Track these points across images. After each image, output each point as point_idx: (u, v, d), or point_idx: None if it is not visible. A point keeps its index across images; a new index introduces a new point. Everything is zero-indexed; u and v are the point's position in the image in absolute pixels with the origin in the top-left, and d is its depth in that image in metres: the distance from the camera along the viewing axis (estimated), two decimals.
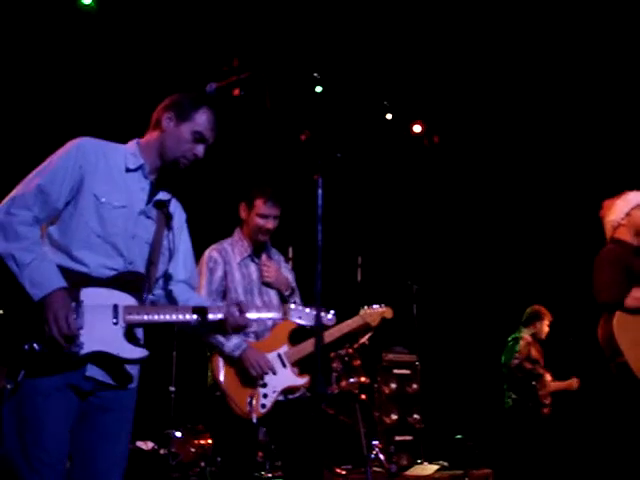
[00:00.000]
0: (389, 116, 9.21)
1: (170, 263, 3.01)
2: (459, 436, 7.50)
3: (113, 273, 2.75)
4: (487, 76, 8.32)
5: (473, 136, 9.20)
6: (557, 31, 7.61)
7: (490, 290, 8.90)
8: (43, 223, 2.72)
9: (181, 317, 2.86)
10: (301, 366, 4.21)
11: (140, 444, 5.83)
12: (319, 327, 2.56)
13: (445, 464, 7.08)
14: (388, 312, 4.61)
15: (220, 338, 3.95)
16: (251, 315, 2.99)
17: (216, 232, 4.37)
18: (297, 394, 4.14)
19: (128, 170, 2.86)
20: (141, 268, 2.84)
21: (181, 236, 3.09)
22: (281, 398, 4.03)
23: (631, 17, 7.22)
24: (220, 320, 2.91)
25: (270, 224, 4.19)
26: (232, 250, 4.21)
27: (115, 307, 2.70)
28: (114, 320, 2.69)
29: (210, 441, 6.17)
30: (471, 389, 8.50)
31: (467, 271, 9.21)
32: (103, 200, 2.75)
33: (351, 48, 7.88)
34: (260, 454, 6.25)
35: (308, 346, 4.18)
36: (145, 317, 2.77)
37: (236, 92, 2.80)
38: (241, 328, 2.99)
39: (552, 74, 8.06)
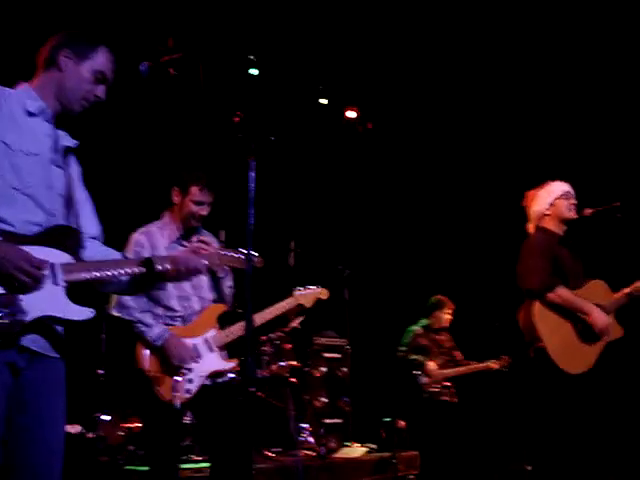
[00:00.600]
0: (324, 101, 9.21)
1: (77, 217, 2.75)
2: (387, 419, 7.60)
3: (38, 229, 2.48)
4: (421, 63, 8.39)
5: (406, 123, 9.28)
6: (491, 16, 7.72)
7: (420, 275, 9.03)
8: None
9: (127, 270, 2.66)
10: (231, 350, 4.21)
11: (68, 428, 5.73)
12: (249, 310, 2.56)
13: (374, 447, 7.18)
14: (323, 293, 4.65)
15: (142, 327, 3.93)
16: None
17: (145, 215, 4.32)
18: (225, 378, 4.14)
19: (30, 114, 2.58)
20: (64, 222, 2.60)
21: (82, 188, 2.84)
22: (208, 382, 4.03)
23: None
24: (163, 272, 2.72)
25: (204, 211, 4.18)
26: (160, 233, 4.16)
27: (52, 266, 2.44)
28: (53, 281, 2.43)
29: (139, 425, 6.12)
30: (400, 373, 8.62)
31: (398, 256, 9.32)
32: (15, 147, 2.48)
33: (288, 31, 7.84)
34: (189, 438, 6.23)
35: (236, 330, 4.18)
36: (87, 274, 2.53)
37: (171, 72, 2.75)
38: (194, 272, 2.82)
39: (483, 60, 8.18)
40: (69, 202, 2.66)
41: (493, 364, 7.25)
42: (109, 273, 2.60)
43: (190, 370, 3.94)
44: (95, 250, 2.76)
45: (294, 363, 6.63)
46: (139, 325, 3.94)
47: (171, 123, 7.08)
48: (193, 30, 7.10)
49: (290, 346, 6.67)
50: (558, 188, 4.83)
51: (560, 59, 7.78)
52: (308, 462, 6.10)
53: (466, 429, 7.08)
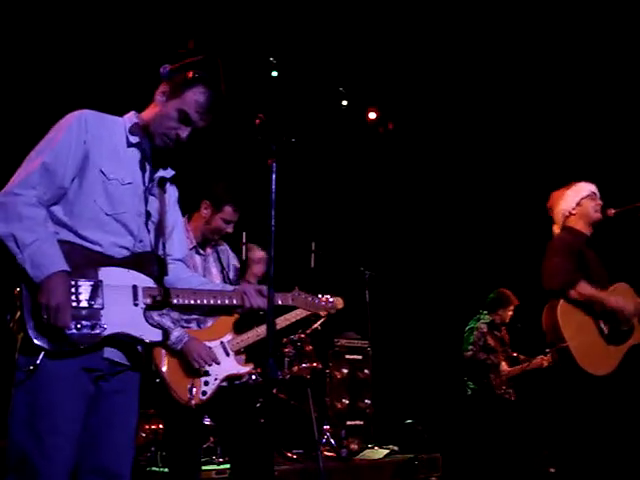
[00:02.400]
0: (344, 102, 9.21)
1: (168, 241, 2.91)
2: (409, 421, 7.58)
3: (126, 252, 2.67)
4: (442, 64, 8.36)
5: (428, 123, 9.25)
6: (510, 19, 7.68)
7: (441, 277, 8.99)
8: (48, 204, 2.57)
9: (199, 302, 2.80)
10: (249, 353, 4.21)
11: None
12: (271, 312, 2.56)
13: (395, 449, 7.15)
14: (338, 302, 4.63)
15: None
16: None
17: None
18: (243, 379, 4.15)
19: (130, 145, 2.74)
20: (149, 247, 2.76)
21: (176, 214, 3.00)
22: (225, 384, 4.03)
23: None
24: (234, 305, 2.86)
25: (231, 229, 4.23)
26: None
27: (134, 288, 2.63)
28: (135, 302, 2.62)
29: (161, 426, 6.14)
30: (422, 375, 8.60)
31: (420, 258, 9.29)
32: (111, 177, 2.64)
33: (308, 33, 7.85)
34: (212, 439, 6.25)
35: (252, 335, 4.21)
36: (166, 300, 2.70)
37: (190, 75, 2.75)
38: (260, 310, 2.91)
39: (504, 62, 8.13)
40: (160, 228, 2.81)
41: (544, 361, 7.02)
42: (185, 302, 2.76)
43: (207, 373, 3.96)
44: (177, 273, 2.89)
45: (315, 365, 6.62)
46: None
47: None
48: (214, 33, 7.13)
49: (311, 348, 6.66)
50: (585, 188, 4.79)
51: (587, 60, 7.71)
52: (329, 464, 6.09)
53: (524, 427, 6.89)
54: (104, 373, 2.61)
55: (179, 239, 2.99)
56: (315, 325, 6.47)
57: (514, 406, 7.02)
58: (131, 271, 2.64)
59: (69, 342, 2.45)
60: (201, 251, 4.19)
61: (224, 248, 4.40)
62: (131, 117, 2.80)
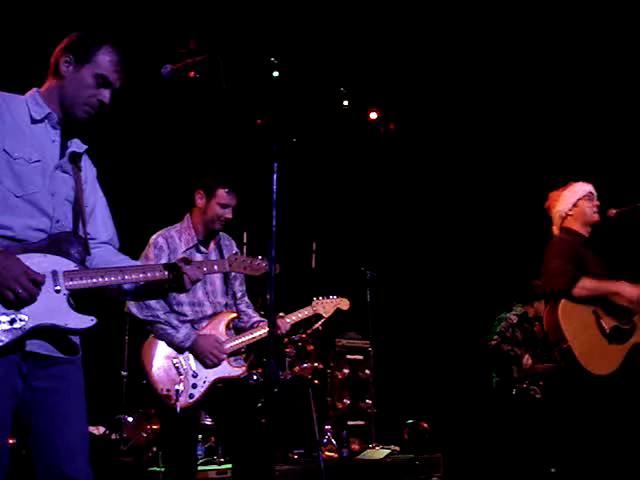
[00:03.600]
0: (346, 102, 9.21)
1: (89, 223, 2.73)
2: (410, 421, 7.58)
3: (42, 235, 2.48)
4: (443, 64, 8.36)
5: (429, 124, 9.25)
6: (510, 20, 7.68)
7: (442, 277, 8.99)
8: None
9: (127, 277, 2.63)
10: (255, 352, 4.19)
11: (91, 429, 5.78)
12: (272, 312, 2.56)
13: (396, 449, 7.16)
14: (343, 303, 4.61)
15: (168, 329, 3.89)
16: (198, 275, 2.81)
17: (167, 217, 4.31)
18: (240, 380, 4.11)
19: (34, 121, 2.56)
20: (69, 228, 2.59)
21: (96, 193, 2.82)
22: (220, 385, 3.98)
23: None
24: (161, 280, 2.72)
25: (229, 214, 4.14)
26: (179, 238, 4.13)
27: (54, 273, 2.45)
28: (56, 287, 2.44)
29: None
30: (423, 375, 8.60)
31: (421, 258, 9.29)
32: (16, 155, 2.46)
33: (309, 34, 7.85)
34: (212, 439, 6.25)
35: (246, 338, 4.14)
36: (89, 281, 2.51)
37: (191, 75, 2.75)
38: (196, 281, 2.81)
39: (504, 63, 8.13)
40: (77, 208, 2.64)
41: None
42: (111, 279, 2.59)
43: (195, 375, 3.91)
44: (106, 255, 2.76)
45: (317, 365, 6.63)
46: (165, 327, 3.89)
47: (193, 126, 7.11)
48: (215, 33, 7.13)
49: (312, 348, 6.68)
50: (581, 189, 4.79)
51: (587, 60, 7.71)
52: (330, 464, 6.09)
53: (549, 426, 6.75)
54: (29, 372, 2.45)
55: (103, 220, 2.82)
56: (316, 325, 6.48)
57: (537, 403, 6.77)
58: (48, 256, 2.46)
59: None
60: (202, 248, 4.14)
61: (229, 244, 4.34)
62: (32, 93, 2.63)
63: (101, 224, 2.81)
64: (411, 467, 6.59)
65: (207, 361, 3.89)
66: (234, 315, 4.19)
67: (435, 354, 8.53)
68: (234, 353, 4.08)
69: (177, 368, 3.89)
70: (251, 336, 4.14)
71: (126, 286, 2.73)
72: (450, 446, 7.11)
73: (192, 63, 2.71)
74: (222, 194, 4.10)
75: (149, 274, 2.68)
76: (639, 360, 4.55)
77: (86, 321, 2.48)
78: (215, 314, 4.10)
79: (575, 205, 4.75)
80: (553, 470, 6.38)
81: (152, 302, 3.90)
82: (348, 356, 7.75)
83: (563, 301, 4.44)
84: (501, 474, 6.81)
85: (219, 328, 4.07)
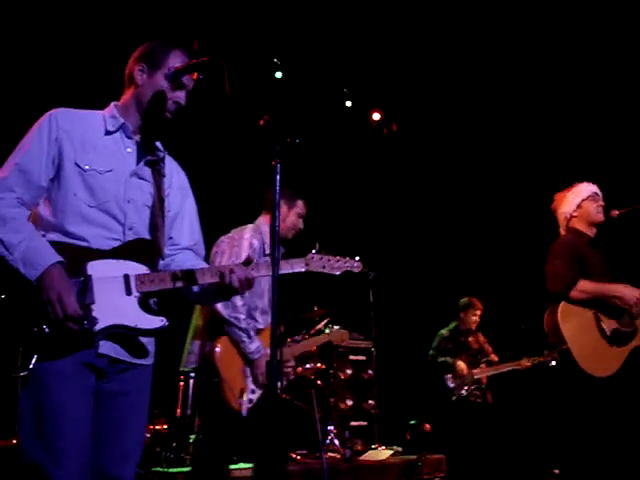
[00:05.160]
0: (348, 103, 9.21)
1: (172, 228, 2.83)
2: (413, 422, 7.58)
3: (116, 243, 2.58)
4: (445, 65, 8.36)
5: (432, 125, 9.25)
6: (513, 21, 7.68)
7: (445, 277, 8.99)
8: (30, 205, 2.55)
9: (199, 280, 2.68)
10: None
11: None
12: (274, 312, 2.56)
13: (399, 449, 7.16)
14: (346, 336, 5.17)
15: (244, 337, 4.03)
16: (264, 270, 2.78)
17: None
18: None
19: (108, 133, 2.67)
20: (144, 234, 2.66)
21: (185, 198, 2.90)
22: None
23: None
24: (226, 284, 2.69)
25: (302, 224, 4.33)
26: (263, 241, 4.25)
27: (126, 277, 2.55)
28: (127, 291, 2.54)
29: (165, 426, 6.16)
30: (426, 375, 8.59)
31: (424, 258, 9.28)
32: (87, 167, 2.57)
33: (312, 34, 7.85)
34: None
35: (298, 348, 4.52)
36: (160, 284, 2.60)
37: (194, 76, 2.75)
38: (250, 285, 2.75)
39: (507, 63, 8.13)
40: (156, 212, 2.70)
41: (526, 362, 7.06)
42: (182, 283, 2.65)
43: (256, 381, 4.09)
44: (184, 260, 2.82)
45: (319, 365, 6.63)
46: (242, 334, 4.03)
47: (197, 127, 7.11)
48: (218, 33, 7.14)
49: (315, 348, 6.67)
50: (585, 189, 4.79)
51: (591, 59, 7.70)
52: (333, 465, 6.09)
53: (497, 431, 7.01)
54: (103, 371, 2.53)
55: (190, 227, 2.90)
56: (319, 325, 6.47)
57: (487, 409, 7.18)
58: (121, 261, 2.56)
59: (62, 340, 2.40)
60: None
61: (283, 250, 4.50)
62: (110, 108, 2.75)
63: (186, 230, 2.89)
64: (414, 468, 6.58)
65: (260, 378, 4.04)
66: (282, 328, 4.46)
67: None
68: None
69: (244, 372, 4.07)
70: (305, 346, 4.59)
71: (194, 289, 2.78)
72: (453, 447, 7.09)
73: (195, 64, 2.70)
74: (301, 205, 4.40)
75: (204, 279, 2.71)
76: (638, 363, 4.54)
77: (156, 322, 2.57)
78: (267, 325, 4.26)
79: (579, 206, 4.75)
80: (556, 471, 6.38)
81: (238, 303, 4.06)
82: (351, 357, 7.75)
83: (563, 303, 4.45)
84: (504, 475, 6.80)
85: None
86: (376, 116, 9.59)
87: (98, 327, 2.45)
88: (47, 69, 6.40)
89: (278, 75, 8.39)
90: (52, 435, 2.36)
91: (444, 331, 7.60)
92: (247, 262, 2.75)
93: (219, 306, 4.01)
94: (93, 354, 2.48)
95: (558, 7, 7.38)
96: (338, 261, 3.28)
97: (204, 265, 2.85)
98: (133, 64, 2.74)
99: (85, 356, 2.46)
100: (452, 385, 7.18)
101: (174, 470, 5.11)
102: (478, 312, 7.62)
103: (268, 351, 4.07)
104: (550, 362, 6.78)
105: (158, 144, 2.82)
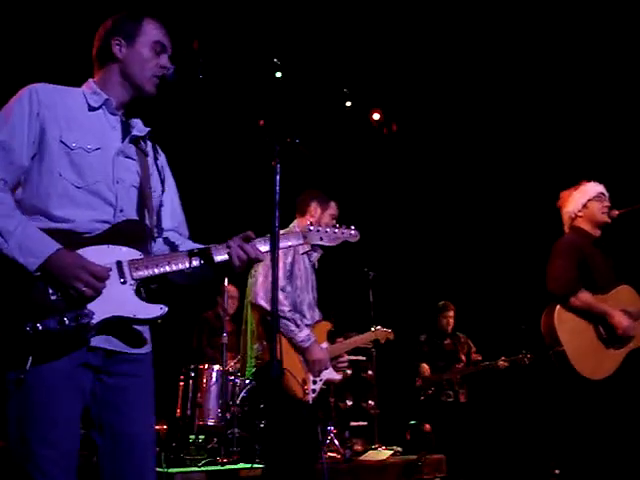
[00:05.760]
0: (348, 103, 9.21)
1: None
2: (413, 422, 7.57)
3: (105, 226, 2.40)
4: (446, 65, 8.36)
5: (432, 125, 9.24)
6: (514, 20, 7.67)
7: (445, 277, 8.98)
8: (12, 188, 2.36)
9: (195, 263, 2.51)
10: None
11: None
12: (275, 306, 2.55)
13: (399, 449, 7.15)
14: (391, 334, 5.35)
15: (292, 326, 4.11)
16: (263, 247, 2.62)
17: None
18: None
19: (92, 109, 2.53)
20: (134, 216, 2.50)
21: (164, 180, 2.76)
22: (324, 387, 4.33)
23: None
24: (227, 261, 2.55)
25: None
26: None
27: (119, 264, 2.36)
28: (121, 279, 2.36)
29: (165, 426, 6.16)
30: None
31: (424, 258, 9.28)
32: (74, 145, 2.41)
33: (312, 34, 7.85)
34: (215, 440, 6.25)
35: (343, 346, 4.59)
36: (155, 270, 2.42)
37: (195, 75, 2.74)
38: (253, 261, 2.61)
39: (509, 62, 8.12)
40: (143, 193, 2.57)
41: (503, 362, 7.30)
42: (178, 266, 2.48)
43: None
44: (169, 241, 2.70)
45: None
46: (289, 324, 4.11)
47: (196, 127, 7.11)
48: (218, 33, 7.13)
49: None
50: (592, 189, 4.76)
51: (595, 58, 7.69)
52: (333, 465, 6.09)
53: (469, 430, 7.20)
54: (100, 367, 2.38)
55: (172, 208, 2.76)
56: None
57: (458, 408, 7.45)
58: (111, 246, 2.38)
59: (54, 340, 2.22)
60: (314, 255, 4.41)
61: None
62: (89, 83, 2.62)
63: (168, 212, 2.75)
64: (414, 468, 6.57)
65: (315, 365, 4.16)
66: (329, 327, 4.49)
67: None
68: (334, 358, 4.43)
69: (303, 364, 4.19)
70: (348, 344, 4.66)
71: (183, 272, 2.56)
72: (453, 447, 7.09)
73: (196, 63, 2.70)
74: (334, 206, 4.52)
75: (218, 257, 2.54)
76: (636, 365, 4.53)
77: (155, 310, 2.40)
78: (315, 324, 4.38)
79: (585, 206, 4.73)
80: (557, 472, 6.38)
81: (280, 297, 4.10)
82: (351, 357, 7.74)
83: (560, 305, 4.43)
84: (504, 475, 6.81)
85: (322, 336, 4.39)
86: (376, 116, 9.59)
87: (95, 321, 2.27)
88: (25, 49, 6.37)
89: (278, 75, 8.39)
90: (36, 441, 2.23)
91: (422, 336, 7.95)
92: (247, 239, 2.60)
93: (262, 302, 4.11)
94: (85, 349, 2.32)
95: (558, 7, 7.37)
96: (335, 232, 3.22)
97: (188, 243, 2.72)
98: (107, 40, 2.61)
99: (79, 354, 2.31)
100: (418, 385, 7.59)
101: (174, 470, 5.09)
102: (450, 314, 7.93)
103: (317, 340, 4.21)
104: (524, 362, 7.09)
105: (139, 121, 2.70)
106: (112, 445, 2.40)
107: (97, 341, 2.34)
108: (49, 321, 2.20)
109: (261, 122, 2.72)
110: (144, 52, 2.61)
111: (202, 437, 6.26)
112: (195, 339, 7.31)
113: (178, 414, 6.41)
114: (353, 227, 3.36)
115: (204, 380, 6.43)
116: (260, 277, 4.14)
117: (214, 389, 6.39)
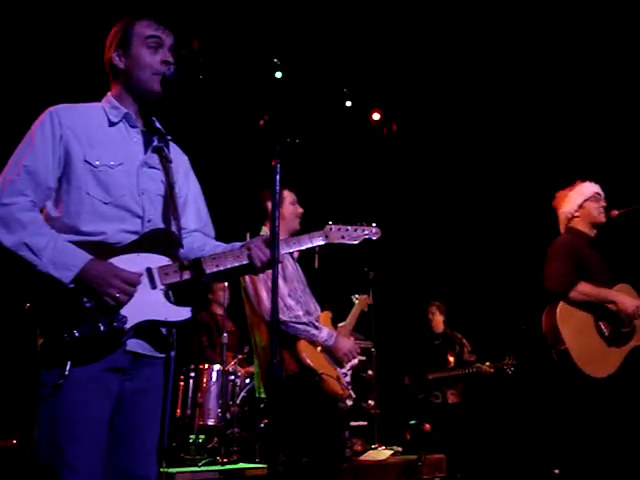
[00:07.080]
0: (348, 103, 9.22)
1: (182, 213, 2.74)
2: (413, 422, 7.57)
3: (134, 237, 2.51)
4: (445, 65, 8.36)
5: (432, 124, 9.25)
6: (513, 20, 7.68)
7: (445, 277, 8.99)
8: (40, 208, 2.47)
9: (222, 267, 2.61)
10: None
11: None
12: (275, 305, 2.55)
13: (399, 449, 7.15)
14: (370, 299, 5.23)
15: (312, 330, 4.09)
16: (283, 249, 2.74)
17: None
18: None
19: (112, 124, 2.61)
20: (161, 224, 2.61)
21: (188, 182, 2.84)
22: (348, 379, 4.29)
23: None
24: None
25: (300, 207, 4.35)
26: None
27: (149, 270, 2.49)
28: (151, 285, 2.48)
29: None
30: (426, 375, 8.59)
31: (424, 258, 9.28)
32: (97, 163, 2.49)
33: (312, 34, 7.85)
34: (216, 439, 6.25)
35: (346, 330, 4.55)
36: (185, 275, 2.53)
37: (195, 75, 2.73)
38: (270, 264, 2.65)
39: (508, 62, 8.13)
40: (170, 200, 2.65)
41: (488, 367, 7.36)
42: (207, 271, 2.59)
43: (342, 366, 4.23)
44: (190, 244, 2.76)
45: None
46: (309, 328, 4.09)
47: (197, 127, 7.11)
48: (218, 33, 7.14)
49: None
50: (588, 190, 4.77)
51: (592, 58, 7.69)
52: None
53: (457, 430, 7.29)
54: (127, 369, 2.48)
55: (196, 209, 2.84)
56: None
57: (445, 409, 7.55)
58: (141, 254, 2.50)
59: (90, 345, 2.34)
60: (294, 255, 4.38)
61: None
62: (107, 97, 2.69)
63: (193, 213, 2.83)
64: (414, 468, 6.58)
65: (345, 359, 4.17)
66: (331, 315, 4.46)
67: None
68: None
69: (330, 362, 4.19)
70: (349, 325, 4.62)
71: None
72: (453, 447, 7.10)
73: (196, 63, 2.70)
74: (287, 193, 4.37)
75: (243, 261, 2.66)
76: (638, 363, 4.54)
77: (186, 312, 2.52)
78: (318, 313, 4.35)
79: (581, 206, 4.73)
80: (556, 471, 6.38)
81: (292, 304, 4.10)
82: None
83: (561, 303, 4.44)
84: (504, 475, 6.81)
85: (328, 325, 4.35)
86: (376, 116, 9.59)
87: (128, 325, 2.39)
88: (41, 67, 6.40)
89: (278, 75, 8.39)
90: (66, 440, 2.31)
91: (429, 333, 8.11)
92: (267, 240, 2.69)
93: (282, 317, 4.03)
94: (120, 354, 2.43)
95: (558, 7, 7.38)
96: (356, 230, 3.35)
97: (219, 246, 2.79)
98: (109, 54, 2.68)
99: (112, 358, 2.41)
100: (407, 383, 7.78)
101: (174, 470, 5.10)
102: (435, 312, 8.13)
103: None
104: (508, 369, 7.16)
105: (160, 127, 2.76)
106: (120, 446, 2.48)
107: (131, 345, 2.46)
108: (85, 327, 2.33)
109: (261, 122, 2.73)
110: (141, 53, 2.64)
111: (202, 437, 6.26)
112: (195, 342, 7.31)
113: (178, 414, 6.41)
114: (374, 224, 3.45)
115: (204, 380, 6.44)
116: (263, 293, 4.08)
117: (214, 389, 6.39)
